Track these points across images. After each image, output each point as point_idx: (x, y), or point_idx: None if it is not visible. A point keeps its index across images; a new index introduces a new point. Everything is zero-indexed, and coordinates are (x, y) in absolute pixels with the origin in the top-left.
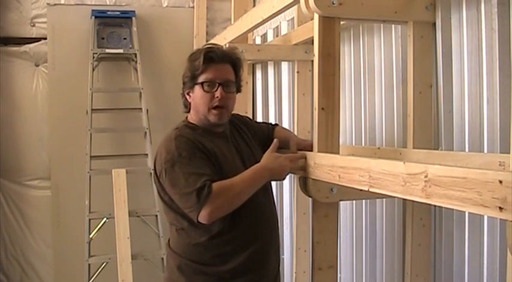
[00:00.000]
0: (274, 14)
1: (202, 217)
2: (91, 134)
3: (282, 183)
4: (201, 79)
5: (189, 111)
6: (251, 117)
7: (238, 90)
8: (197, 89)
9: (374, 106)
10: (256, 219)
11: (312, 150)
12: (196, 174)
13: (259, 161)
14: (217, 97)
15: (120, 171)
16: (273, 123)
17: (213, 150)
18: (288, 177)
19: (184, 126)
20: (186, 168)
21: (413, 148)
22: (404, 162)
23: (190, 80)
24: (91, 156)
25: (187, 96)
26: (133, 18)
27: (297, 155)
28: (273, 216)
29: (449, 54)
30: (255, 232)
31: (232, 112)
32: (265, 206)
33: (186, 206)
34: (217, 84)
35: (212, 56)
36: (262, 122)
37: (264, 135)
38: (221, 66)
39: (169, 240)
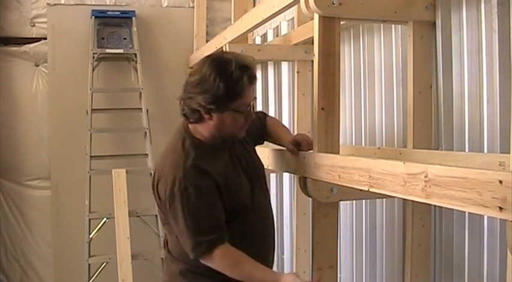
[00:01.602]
0: (274, 14)
1: (196, 259)
2: (91, 134)
3: (282, 183)
4: (239, 105)
5: (194, 123)
6: None
7: None
8: (230, 113)
9: (374, 106)
10: (258, 229)
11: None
12: (199, 217)
13: (257, 166)
14: (248, 119)
15: (120, 171)
16: (259, 111)
17: (221, 171)
18: (287, 177)
19: (190, 145)
20: (190, 208)
21: (413, 148)
22: (404, 162)
23: (226, 103)
24: (91, 156)
25: (207, 115)
26: (133, 18)
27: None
28: (272, 225)
29: (449, 54)
30: (255, 242)
31: None
32: (266, 215)
33: (183, 244)
34: (248, 107)
35: (251, 81)
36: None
37: (258, 129)
38: (253, 87)
39: (167, 244)
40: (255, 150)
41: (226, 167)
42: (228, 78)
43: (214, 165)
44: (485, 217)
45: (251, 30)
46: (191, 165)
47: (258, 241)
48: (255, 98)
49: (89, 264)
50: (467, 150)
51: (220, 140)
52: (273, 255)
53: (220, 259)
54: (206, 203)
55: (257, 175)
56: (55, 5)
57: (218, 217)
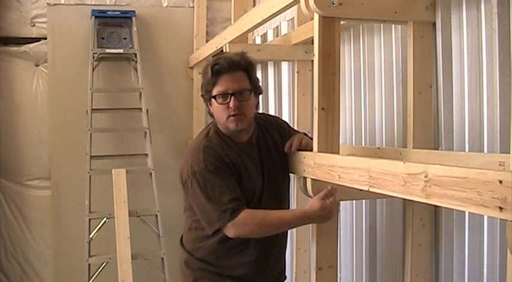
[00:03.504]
0: (274, 14)
1: (224, 232)
2: (91, 134)
3: None
4: (213, 93)
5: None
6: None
7: (258, 92)
8: (213, 101)
9: (374, 106)
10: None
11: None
12: (219, 192)
13: (277, 173)
14: (231, 107)
15: (120, 171)
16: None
17: (237, 164)
18: None
19: (214, 134)
20: (209, 184)
21: (413, 148)
22: (404, 162)
23: (206, 94)
24: (91, 156)
25: (209, 107)
26: (133, 18)
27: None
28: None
29: (449, 54)
30: (260, 242)
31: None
32: None
33: (204, 221)
34: (229, 95)
35: (218, 69)
36: (303, 133)
37: None
38: (231, 76)
39: (182, 236)
40: (285, 163)
41: (242, 162)
42: (203, 71)
43: (230, 155)
44: (485, 217)
45: (251, 30)
46: (209, 148)
47: (257, 240)
48: (243, 89)
49: (89, 264)
50: (467, 150)
51: (236, 132)
52: (282, 256)
53: (246, 220)
54: (224, 180)
55: (274, 180)
56: (55, 5)
57: (236, 191)
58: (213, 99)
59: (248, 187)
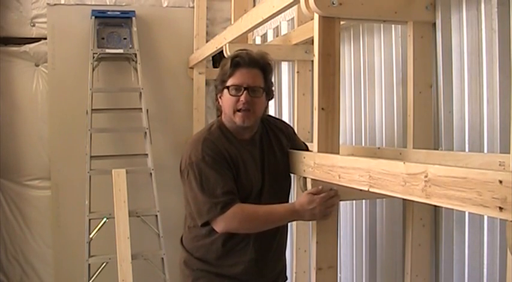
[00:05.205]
0: (274, 14)
1: (212, 226)
2: (91, 134)
3: None
4: (228, 83)
5: (221, 114)
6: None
7: (270, 95)
8: (225, 92)
9: (374, 106)
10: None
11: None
12: (213, 184)
13: (278, 172)
14: (242, 101)
15: (120, 171)
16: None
17: (236, 159)
18: None
19: (217, 128)
20: (204, 176)
21: (413, 148)
22: (404, 162)
23: (220, 84)
24: (91, 156)
25: (219, 100)
26: (133, 18)
27: (331, 193)
28: (277, 230)
29: (449, 54)
30: (259, 241)
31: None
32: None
33: (195, 211)
34: (243, 89)
35: (239, 61)
36: (304, 143)
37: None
38: (248, 71)
39: (182, 236)
40: (287, 162)
41: (241, 157)
42: (222, 62)
43: (230, 149)
44: (485, 217)
45: (251, 30)
46: (209, 140)
47: (257, 238)
48: (257, 86)
49: (89, 264)
50: (467, 150)
51: (240, 128)
52: (280, 255)
53: (235, 215)
54: (220, 173)
55: (275, 180)
56: (55, 5)
57: (231, 185)
58: (225, 90)
59: (245, 183)
